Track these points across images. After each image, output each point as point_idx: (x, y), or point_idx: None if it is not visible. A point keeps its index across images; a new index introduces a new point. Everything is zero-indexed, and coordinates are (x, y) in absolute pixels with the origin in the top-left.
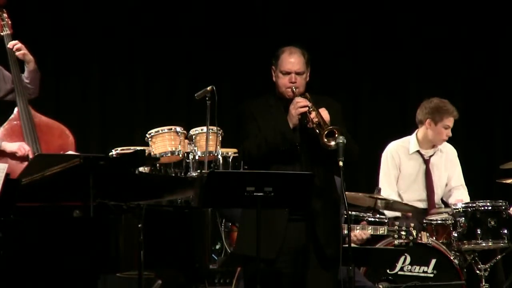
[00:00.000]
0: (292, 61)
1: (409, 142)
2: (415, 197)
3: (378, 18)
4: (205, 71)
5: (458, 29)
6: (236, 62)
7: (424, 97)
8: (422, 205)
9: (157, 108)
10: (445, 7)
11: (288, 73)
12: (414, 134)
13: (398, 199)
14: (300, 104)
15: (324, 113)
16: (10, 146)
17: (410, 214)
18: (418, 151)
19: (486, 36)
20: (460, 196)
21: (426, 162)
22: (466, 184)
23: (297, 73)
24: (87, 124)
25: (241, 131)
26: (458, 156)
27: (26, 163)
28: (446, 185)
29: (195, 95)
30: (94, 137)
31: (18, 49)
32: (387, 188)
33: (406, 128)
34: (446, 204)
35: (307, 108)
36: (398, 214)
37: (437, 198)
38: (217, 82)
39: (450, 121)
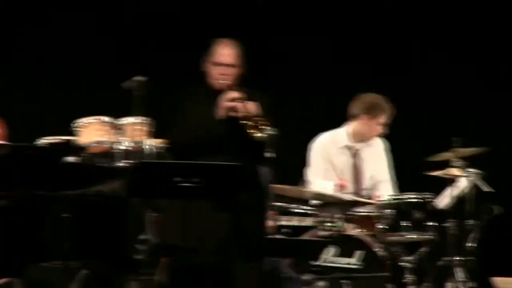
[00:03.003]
0: (225, 53)
1: (339, 135)
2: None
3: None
4: (134, 61)
5: (383, 19)
6: (166, 52)
7: (352, 90)
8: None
9: (85, 97)
10: None
11: (220, 64)
12: (344, 127)
13: (326, 191)
14: (229, 97)
15: (252, 105)
16: None
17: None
18: (347, 145)
19: (414, 26)
20: (383, 191)
21: (355, 155)
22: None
23: (229, 66)
24: (14, 113)
25: (168, 121)
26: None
27: None
28: (372, 178)
29: (123, 85)
30: (21, 127)
31: None
32: (316, 180)
33: (334, 120)
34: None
35: (237, 101)
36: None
37: (364, 192)
38: (146, 72)
39: (384, 119)
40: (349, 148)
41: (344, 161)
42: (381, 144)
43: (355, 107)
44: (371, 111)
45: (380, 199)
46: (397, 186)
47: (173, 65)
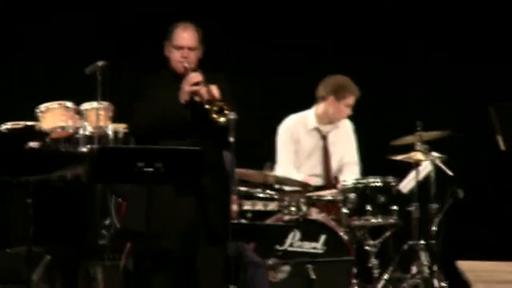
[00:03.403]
0: (185, 36)
1: (307, 117)
2: (311, 172)
3: None
4: (97, 45)
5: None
6: (128, 36)
7: (320, 71)
8: (317, 180)
9: (47, 82)
10: None
11: (181, 48)
12: (312, 109)
13: (295, 174)
14: (192, 80)
15: (215, 89)
16: None
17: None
18: (316, 128)
19: (376, 6)
20: (349, 175)
21: (324, 138)
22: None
23: (190, 49)
24: None
25: (131, 106)
26: None
27: None
28: (340, 160)
29: (86, 69)
30: None
31: None
32: (284, 163)
33: (301, 103)
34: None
35: (200, 85)
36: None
37: (333, 174)
38: (108, 56)
39: (351, 100)
40: (318, 130)
41: (312, 143)
42: (349, 126)
43: (322, 89)
44: (338, 92)
45: (345, 183)
46: (361, 169)
47: (134, 49)
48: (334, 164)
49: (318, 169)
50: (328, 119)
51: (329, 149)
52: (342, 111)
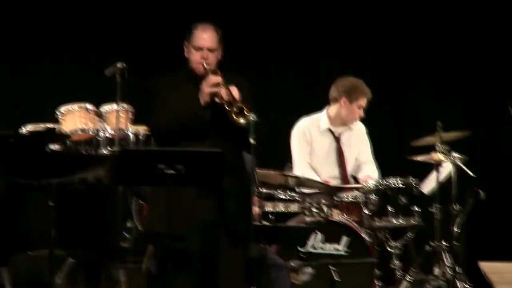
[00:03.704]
0: (205, 37)
1: (320, 119)
2: (328, 174)
3: None
4: (115, 47)
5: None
6: (146, 37)
7: (335, 73)
8: (335, 182)
9: (67, 84)
10: None
11: (201, 48)
12: (325, 111)
13: (313, 175)
14: (212, 82)
15: (235, 90)
16: None
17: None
18: (329, 129)
19: (395, 10)
20: (369, 171)
21: (337, 139)
22: (378, 161)
23: (209, 50)
24: None
25: (151, 107)
26: (370, 133)
27: None
28: (355, 160)
29: (105, 71)
30: (3, 114)
31: None
32: (301, 164)
33: (316, 105)
34: (356, 179)
35: (219, 86)
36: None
37: (350, 176)
38: (127, 58)
39: (364, 101)
40: (331, 131)
41: (326, 144)
42: (363, 128)
43: (334, 90)
44: (351, 93)
45: (369, 180)
46: (381, 170)
47: (153, 51)
48: (349, 165)
49: (336, 171)
50: (341, 121)
51: (343, 149)
52: (355, 113)
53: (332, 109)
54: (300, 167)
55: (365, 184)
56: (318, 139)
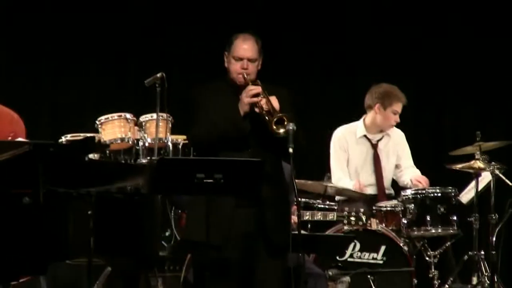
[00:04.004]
0: (245, 47)
1: (357, 127)
2: (364, 182)
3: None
4: (155, 57)
5: (406, 13)
6: (186, 48)
7: (373, 83)
8: (371, 190)
9: (107, 94)
10: None
11: (241, 59)
12: (361, 119)
13: (351, 183)
14: (252, 92)
15: (274, 100)
16: None
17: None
18: (365, 136)
19: (436, 21)
20: (414, 173)
21: (374, 146)
22: None
23: (250, 60)
24: (37, 111)
25: (190, 117)
26: (408, 142)
27: None
28: (396, 167)
29: (145, 81)
30: (44, 124)
31: None
32: (339, 173)
33: (355, 115)
34: (397, 186)
35: (259, 96)
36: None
37: (386, 183)
38: (167, 68)
39: (399, 107)
40: (367, 138)
41: (363, 152)
42: (401, 134)
43: (369, 97)
44: (385, 99)
45: (405, 193)
46: None
47: (192, 61)
48: (386, 172)
49: (371, 178)
50: (377, 128)
51: (380, 157)
52: (390, 119)
53: (368, 116)
54: (336, 175)
55: (421, 185)
56: (354, 146)
